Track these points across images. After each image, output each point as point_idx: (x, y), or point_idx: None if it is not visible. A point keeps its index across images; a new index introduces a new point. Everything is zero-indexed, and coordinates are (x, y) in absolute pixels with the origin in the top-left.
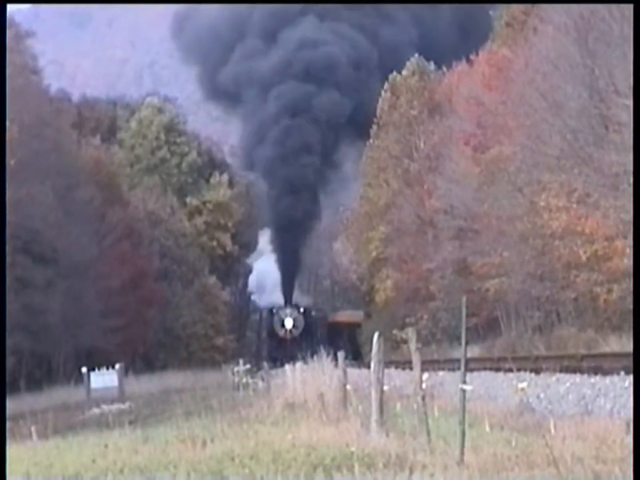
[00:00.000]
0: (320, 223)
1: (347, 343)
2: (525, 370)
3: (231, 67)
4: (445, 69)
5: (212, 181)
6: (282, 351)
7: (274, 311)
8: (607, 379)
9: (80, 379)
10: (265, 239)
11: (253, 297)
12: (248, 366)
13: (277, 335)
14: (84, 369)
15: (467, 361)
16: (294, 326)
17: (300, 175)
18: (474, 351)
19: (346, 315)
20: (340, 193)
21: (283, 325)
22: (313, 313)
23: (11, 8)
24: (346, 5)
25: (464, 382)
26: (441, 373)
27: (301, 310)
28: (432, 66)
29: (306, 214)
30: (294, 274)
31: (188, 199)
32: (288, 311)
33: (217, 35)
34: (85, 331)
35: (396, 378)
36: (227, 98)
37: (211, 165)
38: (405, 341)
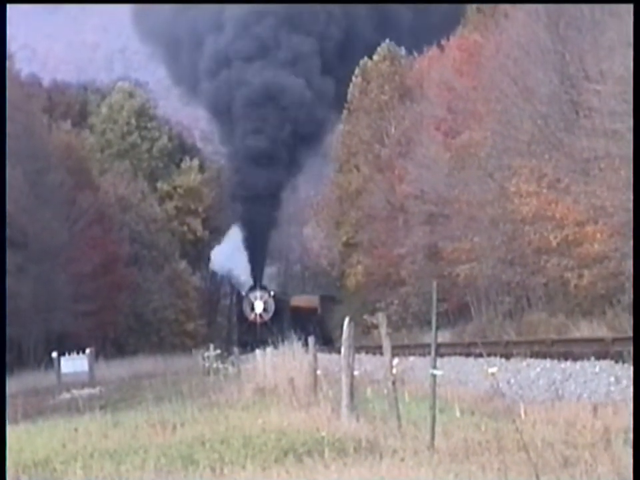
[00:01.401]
0: (289, 199)
1: (316, 327)
2: (496, 355)
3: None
4: (415, 54)
5: (183, 165)
6: (252, 335)
7: (243, 294)
8: (578, 364)
9: (50, 364)
10: None
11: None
12: (218, 351)
13: (247, 319)
14: (54, 354)
15: (438, 346)
16: (264, 310)
17: (267, 145)
18: (444, 336)
19: (302, 300)
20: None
21: (252, 309)
22: (283, 297)
23: None
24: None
25: (434, 367)
26: (411, 358)
27: (272, 293)
28: (403, 51)
29: (275, 188)
30: (263, 255)
31: (159, 184)
32: (258, 294)
33: (178, 21)
34: (56, 316)
35: (366, 363)
36: (190, 80)
37: (182, 149)
38: (376, 326)
